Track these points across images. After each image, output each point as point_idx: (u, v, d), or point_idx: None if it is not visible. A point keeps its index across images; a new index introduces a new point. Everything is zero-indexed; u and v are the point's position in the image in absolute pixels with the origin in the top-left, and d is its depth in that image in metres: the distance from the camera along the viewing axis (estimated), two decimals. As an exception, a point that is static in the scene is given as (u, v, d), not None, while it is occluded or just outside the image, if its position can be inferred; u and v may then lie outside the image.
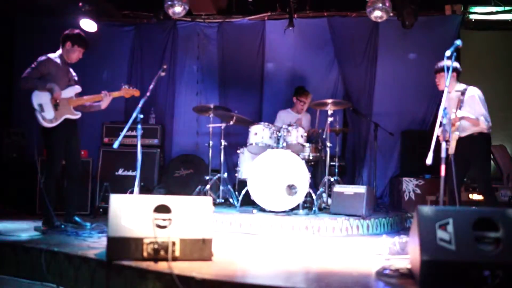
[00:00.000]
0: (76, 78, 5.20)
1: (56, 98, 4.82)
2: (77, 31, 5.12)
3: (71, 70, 5.19)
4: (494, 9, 7.49)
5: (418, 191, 6.91)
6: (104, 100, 5.15)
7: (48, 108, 4.83)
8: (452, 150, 4.67)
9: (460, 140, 4.61)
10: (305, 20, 7.89)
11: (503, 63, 7.61)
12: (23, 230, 4.74)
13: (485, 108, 4.82)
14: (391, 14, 6.86)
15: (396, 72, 7.85)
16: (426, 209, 2.80)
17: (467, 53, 7.16)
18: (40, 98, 4.81)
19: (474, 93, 4.84)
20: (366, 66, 7.87)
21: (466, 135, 4.84)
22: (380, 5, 6.60)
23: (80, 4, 6.75)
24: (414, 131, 7.54)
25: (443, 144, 3.61)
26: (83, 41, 5.08)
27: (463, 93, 4.86)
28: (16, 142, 6.91)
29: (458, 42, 3.91)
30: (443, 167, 3.60)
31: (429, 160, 3.58)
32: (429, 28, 7.61)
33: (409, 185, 6.93)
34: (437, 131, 4.91)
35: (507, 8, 7.44)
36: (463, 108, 4.80)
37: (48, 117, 4.82)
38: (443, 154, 3.59)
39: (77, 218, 5.07)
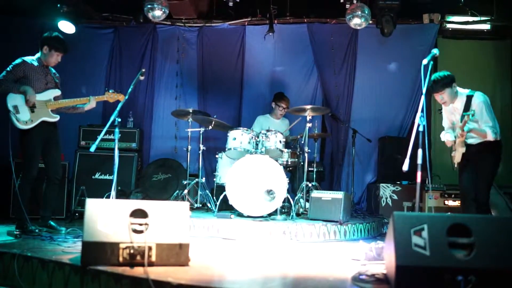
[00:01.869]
0: (57, 81, 5.14)
1: (30, 101, 4.75)
2: (55, 34, 5.04)
3: (53, 72, 5.14)
4: (470, 19, 7.64)
5: (395, 197, 6.98)
6: (91, 103, 5.11)
7: (23, 110, 4.77)
8: (457, 159, 4.80)
9: (469, 147, 4.71)
10: (285, 26, 7.94)
11: (479, 71, 7.75)
12: (-4, 234, 4.66)
13: (493, 116, 4.68)
14: (370, 22, 6.95)
15: (375, 79, 7.95)
16: (402, 215, 2.84)
17: (444, 61, 7.29)
18: (15, 100, 4.75)
19: (481, 100, 4.66)
20: (345, 73, 7.95)
21: (477, 143, 4.74)
22: (359, 12, 6.68)
23: (59, 5, 6.67)
24: (391, 137, 7.63)
25: (419, 151, 3.65)
26: (61, 46, 5.02)
27: (468, 98, 4.72)
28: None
29: (436, 51, 3.99)
30: (419, 174, 3.65)
31: (405, 167, 3.63)
32: (408, 36, 7.74)
33: (386, 191, 7.00)
34: (444, 137, 5.01)
35: (482, 18, 7.59)
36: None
37: (23, 119, 4.76)
38: (419, 161, 3.64)
39: (52, 223, 5.01)
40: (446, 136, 4.96)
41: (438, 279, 2.63)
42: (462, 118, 4.62)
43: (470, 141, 4.74)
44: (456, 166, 4.89)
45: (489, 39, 7.88)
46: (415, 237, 2.71)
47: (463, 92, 4.78)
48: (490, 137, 4.58)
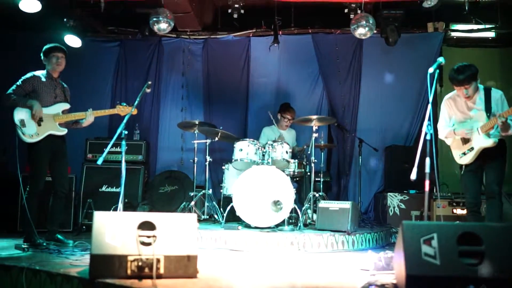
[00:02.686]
0: (67, 95, 5.18)
1: (36, 115, 4.78)
2: (46, 45, 5.12)
3: (63, 86, 5.19)
4: (475, 27, 7.65)
5: (403, 206, 6.94)
6: (88, 118, 5.11)
7: (30, 124, 4.80)
8: (471, 160, 4.62)
9: (484, 151, 4.55)
10: (290, 37, 7.96)
11: (484, 79, 7.70)
12: (4, 248, 4.67)
13: None
14: (375, 32, 6.96)
15: (380, 88, 7.95)
16: (411, 224, 2.82)
17: (449, 69, 7.26)
18: (22, 114, 4.80)
19: (502, 93, 4.57)
20: (351, 82, 7.96)
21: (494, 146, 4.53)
22: (364, 22, 6.68)
23: (65, 19, 6.73)
24: (398, 146, 7.60)
25: (427, 160, 3.63)
26: (53, 47, 5.09)
27: (486, 92, 4.58)
28: (-3, 158, 6.85)
29: (441, 60, 3.99)
30: (427, 182, 3.62)
31: (413, 175, 3.61)
32: (412, 45, 7.75)
33: (394, 200, 6.96)
34: (444, 134, 4.81)
35: (487, 26, 7.60)
36: (492, 111, 4.49)
37: (29, 132, 4.79)
38: (427, 170, 3.62)
39: (59, 236, 5.01)
40: (455, 132, 4.71)
41: (448, 288, 2.60)
42: (487, 112, 4.48)
43: (495, 142, 4.47)
44: (463, 168, 4.73)
45: (494, 46, 7.88)
46: (425, 246, 2.69)
47: (482, 86, 4.66)
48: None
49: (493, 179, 4.57)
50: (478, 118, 4.54)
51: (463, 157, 4.70)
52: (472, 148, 4.60)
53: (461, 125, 4.71)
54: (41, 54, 5.09)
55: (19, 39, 7.69)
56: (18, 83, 4.89)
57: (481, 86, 4.63)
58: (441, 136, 4.89)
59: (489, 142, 4.48)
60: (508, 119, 4.32)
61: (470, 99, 4.61)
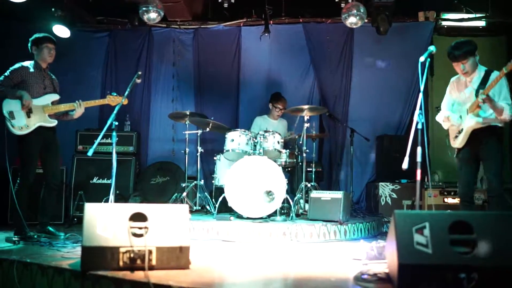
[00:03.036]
0: (55, 86, 5.13)
1: (26, 106, 4.73)
2: (35, 34, 5.06)
3: (52, 77, 5.14)
4: (465, 15, 7.65)
5: (394, 195, 6.97)
6: (77, 109, 5.06)
7: (19, 116, 4.75)
8: (462, 142, 4.46)
9: (473, 133, 4.38)
10: (280, 26, 7.93)
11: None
12: (-6, 241, 4.63)
13: (510, 96, 4.35)
14: (366, 21, 6.94)
15: (371, 78, 7.95)
16: (403, 213, 2.82)
17: (440, 58, 7.26)
18: (11, 106, 4.74)
19: (501, 75, 4.19)
20: (342, 72, 7.95)
21: (480, 127, 4.37)
22: (355, 11, 6.67)
23: (53, 9, 6.65)
24: (389, 136, 7.62)
25: (419, 149, 3.64)
26: (44, 38, 5.03)
27: (486, 73, 4.36)
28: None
29: (432, 48, 3.97)
30: (419, 172, 3.63)
31: (405, 165, 3.62)
32: (403, 34, 7.74)
33: (385, 190, 6.99)
34: (440, 118, 4.64)
35: (478, 15, 7.60)
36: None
37: (18, 124, 4.74)
38: (418, 159, 3.62)
39: (50, 228, 4.99)
40: (451, 117, 4.57)
41: (440, 277, 2.61)
42: (477, 92, 4.31)
43: (478, 123, 4.33)
44: (455, 152, 4.60)
45: (484, 35, 7.88)
46: (417, 235, 2.69)
47: (481, 66, 4.48)
48: (507, 114, 4.22)
49: (491, 173, 4.36)
50: (470, 98, 4.42)
51: (455, 140, 4.56)
52: (462, 130, 4.48)
53: (458, 106, 4.58)
54: (30, 44, 5.01)
55: (7, 29, 7.56)
56: (6, 73, 4.81)
57: (483, 68, 4.46)
58: (437, 119, 4.78)
59: (472, 122, 4.35)
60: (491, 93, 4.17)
61: (468, 76, 4.48)
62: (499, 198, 4.32)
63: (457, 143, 4.53)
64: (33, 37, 5.04)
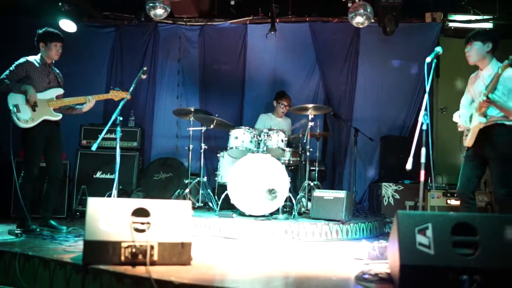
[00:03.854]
0: (60, 80, 5.13)
1: (31, 101, 4.74)
2: (44, 29, 5.05)
3: (56, 71, 5.14)
4: (473, 17, 7.62)
5: (397, 196, 6.95)
6: (88, 103, 5.07)
7: (24, 109, 4.76)
8: (471, 141, 4.28)
9: (480, 131, 4.18)
10: (287, 25, 7.91)
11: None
12: (-3, 233, 4.64)
13: None
14: (372, 21, 6.93)
15: (377, 78, 7.93)
16: (406, 214, 2.81)
17: (446, 59, 7.27)
18: (16, 99, 4.75)
19: (498, 75, 4.00)
20: (347, 72, 7.93)
21: (487, 126, 4.16)
22: (362, 11, 6.66)
23: (60, 4, 6.66)
24: (393, 136, 7.61)
25: (423, 150, 3.62)
26: (54, 36, 5.02)
27: (499, 71, 4.02)
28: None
29: (439, 49, 3.93)
30: (422, 173, 3.62)
31: (409, 165, 3.60)
32: (410, 35, 7.72)
33: (388, 190, 6.97)
34: (455, 118, 4.49)
35: (485, 17, 7.57)
36: (495, 91, 4.05)
37: (24, 117, 4.75)
38: (422, 160, 3.61)
39: (53, 222, 5.00)
40: (461, 117, 4.47)
41: (442, 278, 2.60)
42: (480, 87, 4.19)
43: (482, 123, 4.14)
44: (465, 150, 4.40)
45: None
46: (420, 236, 2.68)
47: (498, 63, 4.19)
48: None
49: (496, 178, 4.17)
50: (480, 95, 4.18)
51: (465, 138, 4.39)
52: (469, 129, 4.33)
53: (464, 115, 4.46)
54: (38, 38, 5.00)
55: (14, 24, 7.58)
56: (11, 68, 4.82)
57: (499, 64, 4.13)
58: (453, 119, 4.63)
59: (476, 122, 4.20)
60: (494, 97, 4.02)
61: (469, 60, 4.35)
62: (503, 204, 4.13)
63: (467, 142, 4.37)
64: (42, 32, 5.01)
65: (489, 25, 7.63)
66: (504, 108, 4.06)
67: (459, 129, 4.58)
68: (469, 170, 4.40)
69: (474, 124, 4.24)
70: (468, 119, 4.40)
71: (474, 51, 4.30)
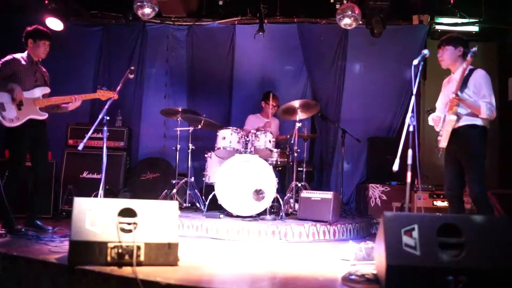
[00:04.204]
0: (46, 79, 5.08)
1: (17, 99, 4.69)
2: (34, 26, 5.00)
3: (42, 70, 5.08)
4: (459, 20, 7.69)
5: (384, 197, 7.00)
6: (74, 102, 5.03)
7: (9, 108, 4.70)
8: (444, 141, 4.36)
9: (453, 132, 4.30)
10: (275, 26, 7.92)
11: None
12: (-19, 233, 4.58)
13: (491, 93, 4.27)
14: (360, 22, 6.96)
15: (364, 79, 7.98)
16: (392, 215, 2.83)
17: (433, 62, 7.27)
18: (1, 97, 4.68)
19: (482, 73, 4.30)
20: (335, 73, 7.96)
21: (459, 126, 4.31)
22: (350, 12, 6.68)
23: (46, 1, 6.60)
24: (381, 137, 7.65)
25: (410, 151, 3.65)
26: (43, 34, 4.97)
27: (469, 72, 4.30)
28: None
29: (426, 52, 3.99)
30: (409, 174, 3.65)
31: (395, 167, 3.62)
32: (397, 37, 7.78)
33: (376, 191, 7.01)
34: (430, 121, 4.60)
35: (471, 20, 7.65)
36: (466, 91, 4.26)
37: (9, 116, 4.69)
38: (409, 161, 3.64)
39: (38, 222, 4.94)
40: (433, 117, 4.59)
41: (428, 279, 2.63)
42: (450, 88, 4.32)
43: (458, 123, 4.29)
44: (441, 152, 4.47)
45: (476, 40, 7.91)
46: (406, 237, 2.70)
47: (470, 66, 4.36)
48: (484, 113, 4.18)
49: (469, 178, 4.28)
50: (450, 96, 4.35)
51: (440, 139, 4.47)
52: (442, 131, 4.44)
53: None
54: (27, 35, 4.94)
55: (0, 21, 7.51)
56: None
57: (469, 67, 4.35)
58: (429, 122, 4.74)
59: (447, 122, 4.30)
60: (463, 95, 4.19)
61: (443, 64, 4.56)
62: (478, 204, 4.23)
63: (441, 143, 4.45)
64: (31, 29, 4.96)
65: (475, 28, 7.72)
66: (473, 106, 4.23)
67: (436, 129, 4.64)
68: (450, 170, 4.50)
69: (447, 123, 4.33)
70: (442, 120, 4.49)
71: (446, 55, 4.50)
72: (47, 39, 4.98)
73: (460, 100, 4.21)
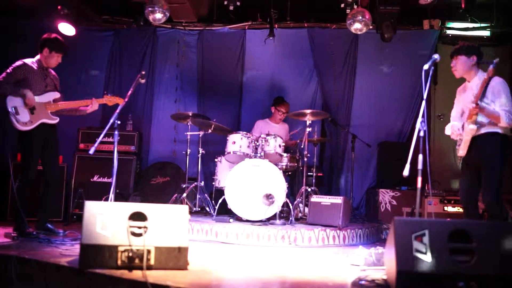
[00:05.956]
0: (56, 83, 5.12)
1: (28, 105, 4.74)
2: (54, 35, 5.03)
3: (52, 74, 5.12)
4: (470, 25, 7.67)
5: (394, 202, 6.96)
6: (93, 106, 5.09)
7: (23, 111, 4.75)
8: (463, 150, 4.36)
9: (472, 140, 4.28)
10: (285, 31, 7.93)
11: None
12: (-7, 236, 4.63)
13: (510, 102, 4.22)
14: (371, 27, 6.95)
15: (375, 84, 7.96)
16: (403, 220, 2.82)
17: (444, 67, 7.24)
18: (15, 102, 4.74)
19: (500, 81, 4.26)
20: (345, 78, 7.96)
21: (479, 134, 4.28)
22: (360, 17, 6.67)
23: (59, 7, 6.66)
24: (391, 143, 7.62)
25: (420, 156, 3.63)
26: (61, 47, 5.01)
27: (487, 80, 4.22)
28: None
29: (436, 56, 3.96)
30: (419, 179, 3.63)
31: (406, 172, 3.60)
32: (408, 42, 7.76)
33: (386, 197, 6.98)
34: (447, 131, 4.57)
35: (482, 24, 7.61)
36: (484, 99, 4.22)
37: (23, 120, 4.74)
38: (419, 166, 3.62)
39: (49, 225, 4.98)
40: (452, 127, 4.53)
41: (439, 285, 2.61)
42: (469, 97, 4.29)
43: (473, 130, 4.23)
44: (460, 160, 4.48)
45: (488, 45, 7.88)
46: (416, 243, 2.69)
47: (484, 73, 4.32)
48: (503, 122, 4.13)
49: (485, 184, 4.25)
50: (469, 105, 4.29)
51: (458, 147, 4.47)
52: (461, 139, 4.42)
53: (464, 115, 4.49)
54: (43, 43, 4.96)
55: (13, 26, 7.57)
56: (8, 70, 4.79)
57: (484, 74, 4.29)
58: (445, 132, 4.70)
59: (467, 131, 4.27)
60: (482, 104, 4.14)
61: (456, 74, 4.53)
62: (490, 211, 4.21)
63: (460, 151, 4.46)
64: (51, 38, 4.97)
65: (486, 33, 7.67)
66: (493, 115, 4.19)
67: (452, 137, 4.61)
68: (466, 180, 4.49)
69: (466, 132, 4.31)
70: (460, 129, 4.46)
71: (460, 65, 4.47)
72: (63, 53, 5.02)
73: (480, 110, 4.16)
